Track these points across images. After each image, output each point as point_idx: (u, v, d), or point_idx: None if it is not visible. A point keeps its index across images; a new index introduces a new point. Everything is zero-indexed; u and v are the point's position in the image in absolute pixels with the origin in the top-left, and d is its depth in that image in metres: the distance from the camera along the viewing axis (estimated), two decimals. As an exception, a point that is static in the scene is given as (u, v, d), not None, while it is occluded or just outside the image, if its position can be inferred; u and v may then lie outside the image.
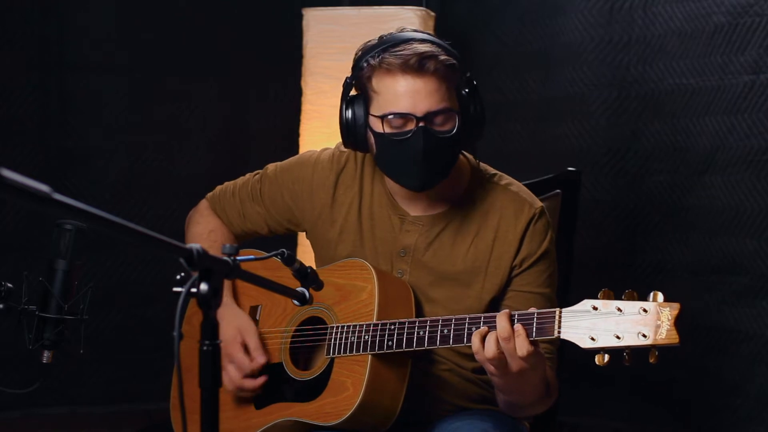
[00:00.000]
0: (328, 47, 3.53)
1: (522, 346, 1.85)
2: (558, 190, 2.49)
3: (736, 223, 3.12)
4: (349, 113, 2.11)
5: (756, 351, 3.08)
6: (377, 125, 2.07)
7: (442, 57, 2.04)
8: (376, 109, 2.07)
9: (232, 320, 2.22)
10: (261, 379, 2.17)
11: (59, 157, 3.71)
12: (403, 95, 2.03)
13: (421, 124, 2.03)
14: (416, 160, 2.05)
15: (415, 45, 2.04)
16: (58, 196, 1.15)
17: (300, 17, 3.64)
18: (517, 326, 1.85)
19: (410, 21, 3.51)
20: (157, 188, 3.84)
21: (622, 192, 3.49)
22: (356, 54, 2.13)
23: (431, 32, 2.22)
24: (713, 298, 3.21)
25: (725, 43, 3.14)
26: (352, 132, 2.11)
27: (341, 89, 2.14)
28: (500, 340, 1.86)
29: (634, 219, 3.47)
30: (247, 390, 2.18)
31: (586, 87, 3.56)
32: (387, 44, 2.06)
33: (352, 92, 2.13)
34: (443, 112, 2.04)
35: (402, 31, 2.12)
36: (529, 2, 3.76)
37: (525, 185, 2.26)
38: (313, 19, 3.62)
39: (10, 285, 1.91)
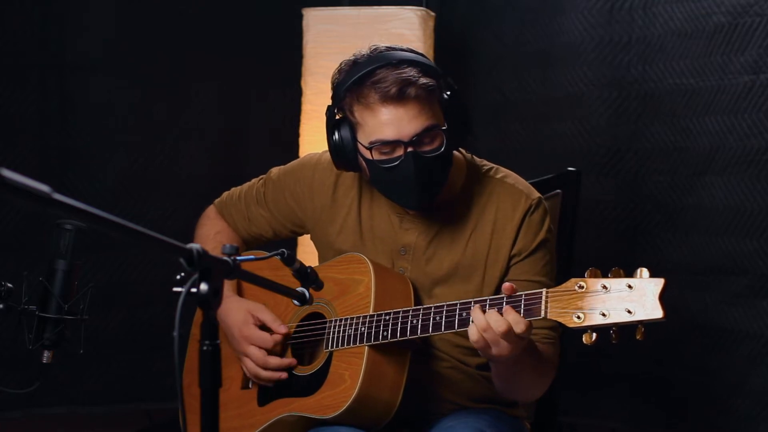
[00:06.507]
0: (328, 47, 3.52)
1: (518, 324, 1.84)
2: (558, 190, 2.49)
3: (736, 223, 3.12)
4: (337, 137, 2.11)
5: (756, 351, 3.08)
6: (366, 153, 2.08)
7: (422, 81, 2.02)
8: (363, 137, 2.08)
9: (240, 306, 2.23)
10: (287, 360, 2.16)
11: (59, 157, 3.70)
12: (386, 124, 2.03)
13: (409, 149, 2.04)
14: (409, 184, 2.06)
15: (391, 72, 2.02)
16: (58, 196, 1.15)
17: (300, 17, 3.64)
18: (509, 315, 1.85)
19: (410, 21, 3.51)
20: (157, 188, 3.83)
21: (622, 192, 3.48)
22: (333, 80, 2.13)
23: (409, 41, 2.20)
24: (713, 298, 3.21)
25: (725, 43, 3.13)
26: (343, 156, 2.12)
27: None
28: (498, 332, 1.84)
29: (634, 219, 3.47)
30: (272, 367, 2.16)
31: (586, 87, 3.55)
32: (363, 72, 2.04)
33: (337, 116, 2.13)
34: (429, 131, 2.04)
35: (375, 51, 2.10)
36: (529, 2, 3.76)
37: (523, 183, 2.25)
38: (313, 19, 3.61)
39: (10, 285, 1.92)
